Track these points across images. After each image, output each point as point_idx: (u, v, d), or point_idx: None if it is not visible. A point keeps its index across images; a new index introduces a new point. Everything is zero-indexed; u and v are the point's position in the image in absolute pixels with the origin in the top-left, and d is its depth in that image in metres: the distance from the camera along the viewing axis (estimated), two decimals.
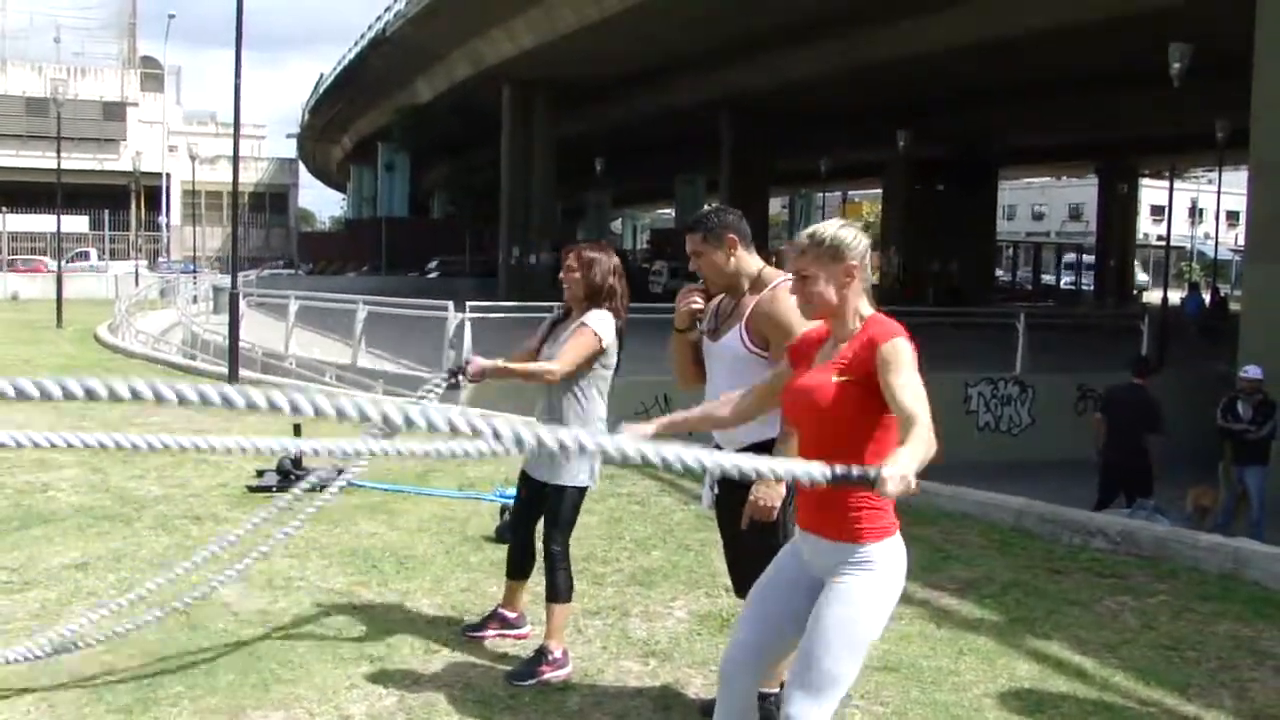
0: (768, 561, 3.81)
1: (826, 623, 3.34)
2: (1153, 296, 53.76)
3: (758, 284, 4.45)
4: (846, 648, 3.35)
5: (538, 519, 5.30)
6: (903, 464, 2.89)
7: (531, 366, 5.09)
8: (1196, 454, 14.29)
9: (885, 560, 3.38)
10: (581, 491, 5.16)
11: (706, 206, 4.88)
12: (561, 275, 5.21)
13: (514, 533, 5.59)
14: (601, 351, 5.06)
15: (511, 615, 5.55)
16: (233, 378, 14.25)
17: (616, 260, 5.24)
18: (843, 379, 3.33)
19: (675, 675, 5.10)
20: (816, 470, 2.83)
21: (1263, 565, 6.64)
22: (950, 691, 4.95)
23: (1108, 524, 7.59)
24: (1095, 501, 12.14)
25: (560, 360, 5.00)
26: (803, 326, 4.21)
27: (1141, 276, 65.86)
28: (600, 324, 5.05)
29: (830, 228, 3.51)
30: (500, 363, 5.19)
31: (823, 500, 3.39)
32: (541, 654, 5.06)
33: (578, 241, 5.46)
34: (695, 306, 4.57)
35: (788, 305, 4.30)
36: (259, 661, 5.17)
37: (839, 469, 2.83)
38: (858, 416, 3.32)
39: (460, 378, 5.19)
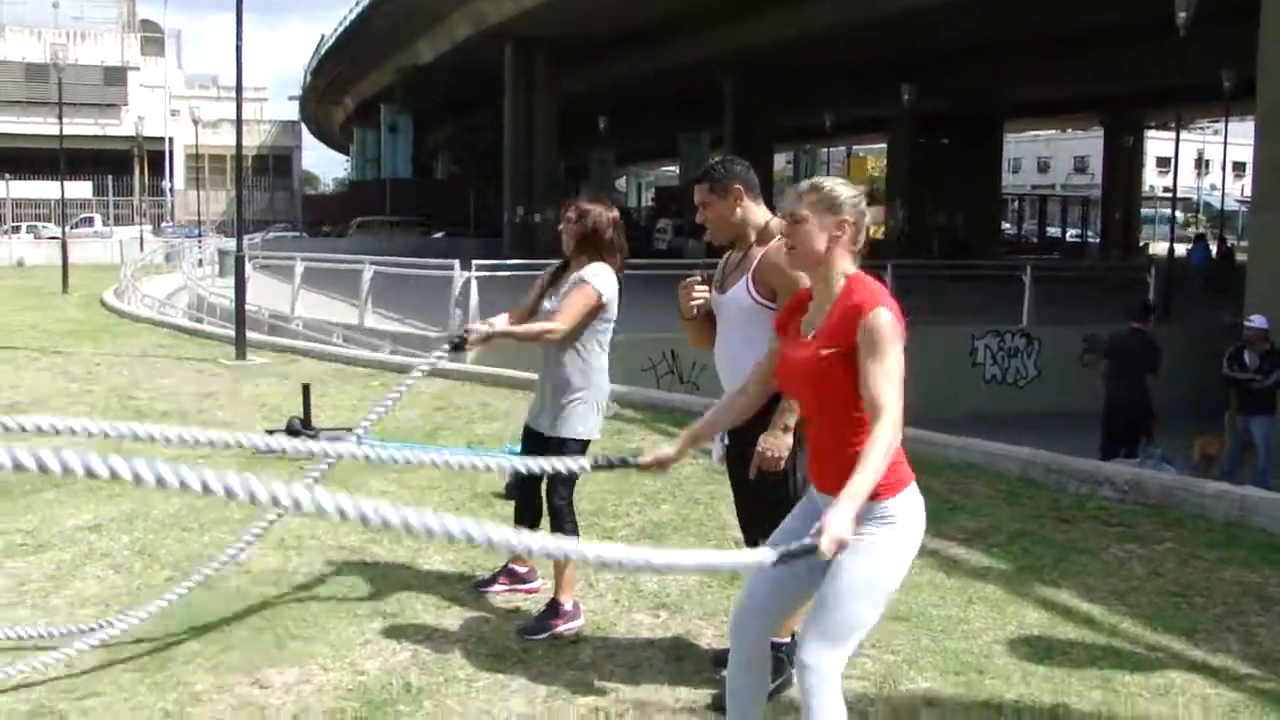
0: (777, 512, 3.82)
1: (848, 575, 3.33)
2: (1159, 248, 53.64)
3: (765, 235, 4.41)
4: (866, 599, 3.36)
5: (542, 474, 5.32)
6: (837, 524, 2.99)
7: (534, 328, 5.07)
8: (1202, 403, 14.33)
9: (905, 513, 3.39)
10: (584, 444, 5.18)
11: (713, 159, 4.80)
12: (560, 226, 5.21)
13: (519, 489, 5.62)
14: (601, 307, 5.07)
15: (522, 570, 5.59)
16: (239, 340, 14.26)
17: (615, 213, 5.22)
18: (829, 351, 3.32)
19: (687, 627, 5.14)
20: (765, 555, 3.01)
21: (1269, 512, 6.67)
22: (960, 639, 4.98)
23: (1115, 473, 7.62)
24: (1100, 448, 12.24)
25: (560, 318, 5.01)
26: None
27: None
28: (599, 278, 5.05)
29: (832, 181, 3.53)
30: (501, 326, 5.18)
31: (833, 461, 3.40)
32: (553, 608, 5.09)
33: (603, 195, 5.45)
34: (698, 301, 4.51)
35: None
36: (273, 619, 5.21)
37: (785, 549, 3.03)
38: (851, 386, 3.30)
39: (461, 346, 5.19)
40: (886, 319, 3.25)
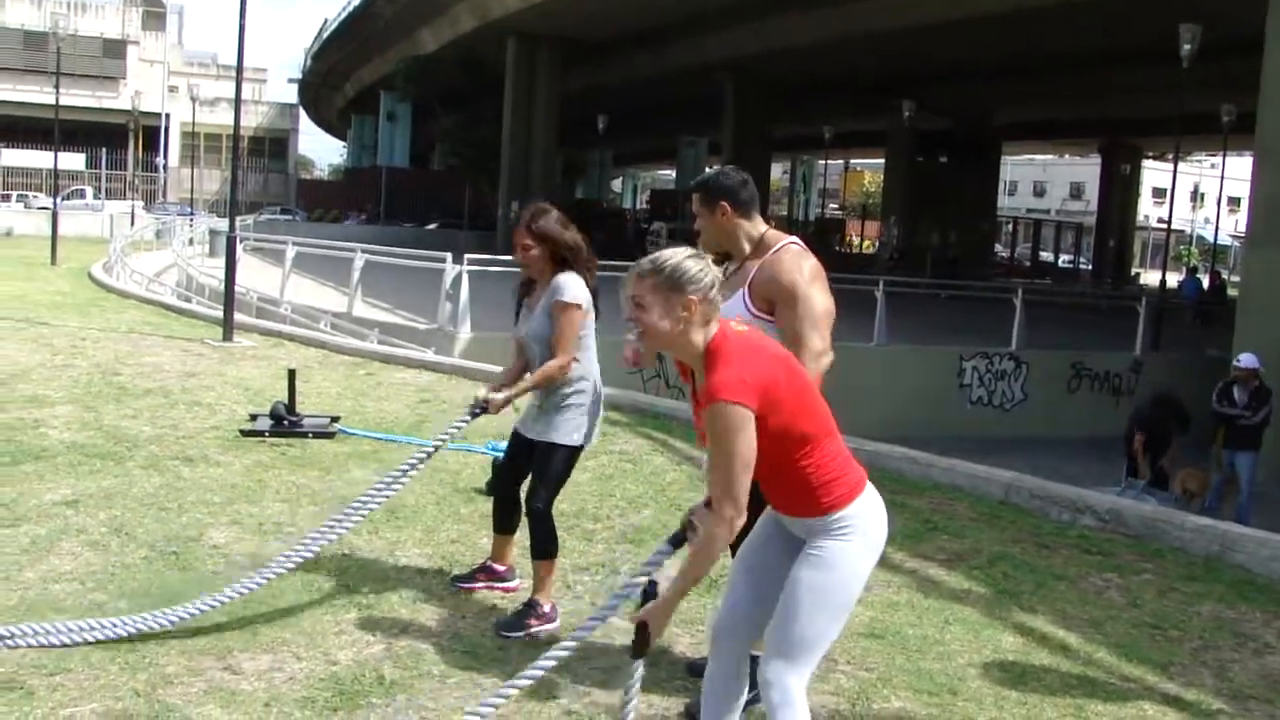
0: None
1: (801, 587, 3.30)
2: (1152, 277, 53.80)
3: (761, 247, 4.40)
4: (823, 612, 3.31)
5: (524, 476, 5.29)
6: (652, 614, 3.35)
7: (548, 371, 5.04)
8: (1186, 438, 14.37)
9: (863, 521, 3.33)
10: (575, 451, 5.15)
11: (709, 169, 4.79)
12: (519, 257, 5.15)
13: (497, 488, 5.60)
14: (584, 315, 5.08)
15: (501, 569, 5.57)
16: (227, 321, 14.20)
17: (557, 213, 5.20)
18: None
19: (662, 633, 5.11)
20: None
21: (1248, 548, 6.67)
22: (935, 660, 4.97)
23: (1096, 501, 7.61)
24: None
25: (563, 349, 5.02)
26: (808, 290, 4.19)
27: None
28: (573, 289, 5.05)
29: (676, 257, 3.29)
30: (514, 390, 5.13)
31: (776, 491, 3.39)
32: (530, 607, 5.08)
33: (542, 204, 5.37)
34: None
35: (792, 266, 4.27)
36: (248, 605, 5.17)
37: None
38: None
39: (482, 410, 5.17)
40: (720, 413, 3.12)
